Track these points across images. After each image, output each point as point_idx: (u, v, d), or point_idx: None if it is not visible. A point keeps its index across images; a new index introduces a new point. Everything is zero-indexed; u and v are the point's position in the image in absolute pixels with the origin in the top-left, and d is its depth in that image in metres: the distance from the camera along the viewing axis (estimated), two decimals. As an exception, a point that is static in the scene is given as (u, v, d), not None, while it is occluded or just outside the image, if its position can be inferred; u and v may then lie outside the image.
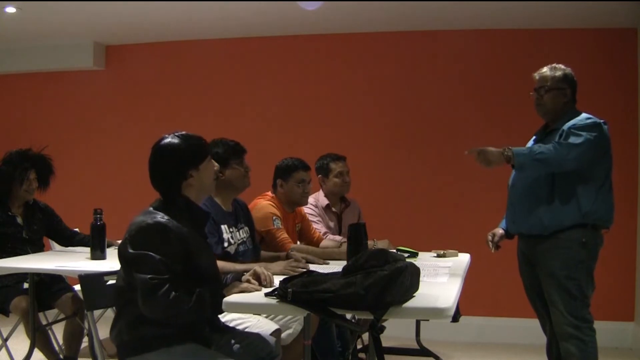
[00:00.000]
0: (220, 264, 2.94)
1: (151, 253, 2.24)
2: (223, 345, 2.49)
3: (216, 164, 2.80)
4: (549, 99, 3.24)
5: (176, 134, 2.46)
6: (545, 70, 3.29)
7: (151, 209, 2.37)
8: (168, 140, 2.44)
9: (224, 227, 3.10)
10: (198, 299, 2.25)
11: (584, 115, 3.23)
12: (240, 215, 3.31)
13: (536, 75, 3.31)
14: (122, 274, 2.39)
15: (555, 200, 3.14)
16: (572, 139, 3.07)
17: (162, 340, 2.32)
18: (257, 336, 2.61)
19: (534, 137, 3.43)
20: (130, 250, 2.27)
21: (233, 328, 2.67)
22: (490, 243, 3.46)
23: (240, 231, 3.24)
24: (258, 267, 2.54)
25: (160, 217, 2.31)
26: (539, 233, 3.19)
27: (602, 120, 3.19)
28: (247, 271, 2.96)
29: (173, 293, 2.21)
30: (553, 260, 3.15)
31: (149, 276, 2.21)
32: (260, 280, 2.45)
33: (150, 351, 2.34)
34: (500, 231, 3.47)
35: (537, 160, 3.05)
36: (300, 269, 2.82)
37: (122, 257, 2.34)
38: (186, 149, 2.41)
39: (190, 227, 2.38)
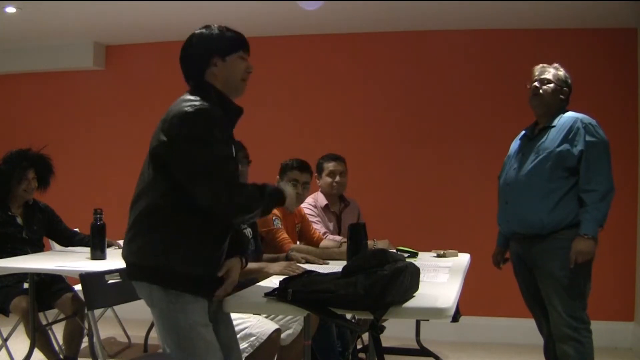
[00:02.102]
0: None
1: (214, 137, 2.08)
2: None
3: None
4: (549, 90, 3.23)
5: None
6: (548, 66, 3.29)
7: (185, 97, 2.18)
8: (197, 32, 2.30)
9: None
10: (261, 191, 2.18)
11: (571, 114, 3.23)
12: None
13: (536, 69, 3.30)
14: (153, 183, 2.14)
15: (555, 199, 3.13)
16: (594, 170, 3.09)
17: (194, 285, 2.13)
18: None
19: (522, 133, 3.41)
20: (181, 142, 2.07)
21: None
22: (498, 265, 3.55)
23: (243, 232, 3.25)
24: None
25: (200, 103, 2.11)
26: (537, 233, 3.17)
27: (595, 121, 3.20)
28: (247, 271, 2.98)
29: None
30: (552, 261, 3.14)
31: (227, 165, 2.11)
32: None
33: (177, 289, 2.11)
34: (499, 250, 3.54)
35: (603, 213, 3.08)
36: (299, 270, 2.82)
37: (165, 154, 2.11)
38: (217, 37, 2.26)
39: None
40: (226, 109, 2.23)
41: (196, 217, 2.10)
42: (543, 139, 3.21)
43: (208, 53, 2.24)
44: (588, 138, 3.11)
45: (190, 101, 2.11)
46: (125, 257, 2.18)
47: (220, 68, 2.24)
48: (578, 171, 3.12)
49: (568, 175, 3.13)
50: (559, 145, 3.14)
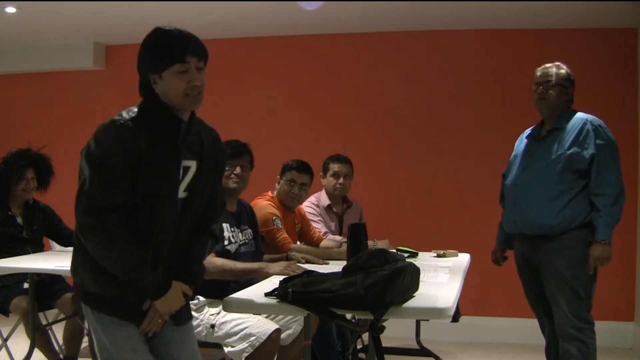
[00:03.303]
0: (221, 261, 2.95)
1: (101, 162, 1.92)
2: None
3: None
4: (554, 93, 3.22)
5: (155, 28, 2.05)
6: (550, 66, 3.28)
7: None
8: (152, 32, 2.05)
9: (225, 226, 3.10)
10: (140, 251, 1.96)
11: (580, 115, 3.23)
12: (244, 217, 3.31)
13: (539, 71, 3.29)
14: None
15: (564, 201, 3.12)
16: (604, 174, 3.09)
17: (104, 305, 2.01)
18: None
19: (528, 133, 3.40)
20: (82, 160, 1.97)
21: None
22: (497, 262, 3.55)
23: (243, 232, 3.24)
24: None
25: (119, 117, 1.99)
26: (546, 234, 3.16)
27: (603, 123, 3.20)
28: (247, 271, 2.98)
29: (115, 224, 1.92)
30: (559, 260, 3.13)
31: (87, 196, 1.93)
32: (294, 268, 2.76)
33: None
34: (499, 248, 3.53)
35: (616, 217, 3.10)
36: (299, 270, 2.82)
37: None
38: (148, 52, 2.02)
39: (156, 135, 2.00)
40: (167, 121, 2.03)
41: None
42: (552, 141, 3.21)
43: (143, 70, 2.03)
44: (598, 141, 3.12)
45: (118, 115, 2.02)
46: None
47: (159, 85, 2.01)
48: (587, 173, 3.12)
49: (577, 177, 3.13)
50: (569, 148, 3.14)
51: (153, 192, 1.98)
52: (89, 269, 2.00)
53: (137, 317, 2.02)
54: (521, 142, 3.44)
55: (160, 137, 2.00)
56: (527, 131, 3.44)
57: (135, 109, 2.04)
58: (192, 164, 2.09)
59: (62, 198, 4.57)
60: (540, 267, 3.24)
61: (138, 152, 1.95)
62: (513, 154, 3.45)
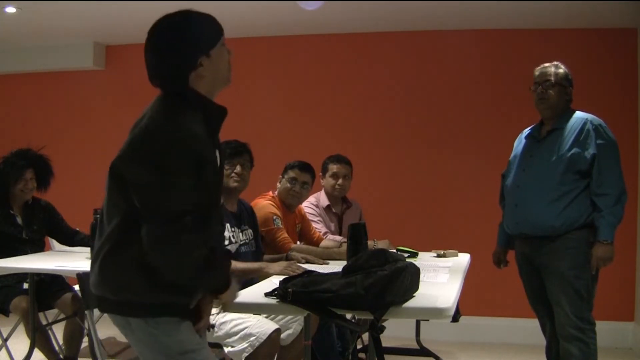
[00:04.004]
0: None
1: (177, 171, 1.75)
2: None
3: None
4: (554, 93, 3.22)
5: (179, 11, 1.91)
6: (549, 65, 3.28)
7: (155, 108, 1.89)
8: (168, 21, 1.92)
9: (226, 226, 3.10)
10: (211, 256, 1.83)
11: (579, 114, 3.24)
12: (245, 217, 3.31)
13: (537, 71, 3.29)
14: (116, 200, 1.85)
15: (566, 202, 3.12)
16: (606, 174, 3.10)
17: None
18: None
19: (527, 132, 3.40)
20: (139, 168, 1.78)
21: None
22: (498, 265, 3.54)
23: (243, 233, 3.25)
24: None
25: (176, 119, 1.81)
26: (548, 234, 3.16)
27: (603, 122, 3.20)
28: (248, 271, 2.98)
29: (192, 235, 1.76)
30: (561, 261, 3.13)
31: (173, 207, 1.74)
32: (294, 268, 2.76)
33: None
34: (501, 250, 3.53)
35: (619, 217, 3.11)
36: (299, 270, 2.82)
37: (126, 174, 1.83)
38: (197, 31, 1.89)
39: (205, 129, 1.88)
40: (209, 115, 1.92)
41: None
42: (553, 142, 3.20)
43: (193, 54, 1.88)
44: (599, 141, 3.12)
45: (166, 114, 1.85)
46: None
47: (206, 67, 1.89)
48: (589, 173, 3.12)
49: (579, 177, 3.13)
50: (570, 149, 3.14)
51: (212, 189, 1.91)
52: (143, 280, 1.81)
53: (191, 315, 1.94)
54: (520, 142, 3.43)
55: (210, 130, 1.91)
56: (526, 131, 3.43)
57: (174, 109, 1.87)
58: (217, 155, 1.99)
59: (62, 198, 4.59)
60: (542, 267, 3.24)
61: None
62: (512, 154, 3.45)
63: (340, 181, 4.18)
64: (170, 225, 1.74)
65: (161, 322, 1.86)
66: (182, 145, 1.78)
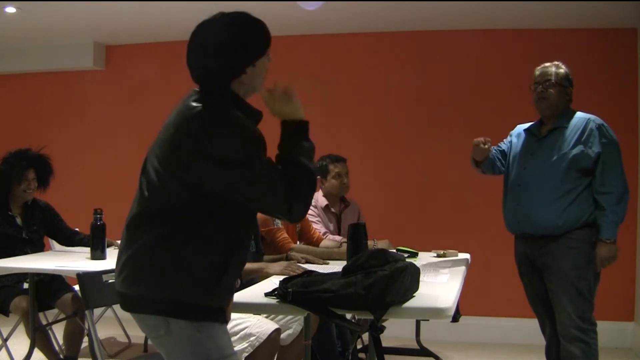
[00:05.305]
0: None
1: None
2: None
3: None
4: (554, 93, 3.22)
5: (227, 13, 1.94)
6: (549, 65, 3.27)
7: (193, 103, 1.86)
8: (227, 21, 1.95)
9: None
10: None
11: (580, 114, 3.24)
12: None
13: (537, 70, 3.29)
14: (170, 195, 1.81)
15: (569, 201, 3.12)
16: (609, 172, 3.10)
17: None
18: None
19: (526, 127, 3.38)
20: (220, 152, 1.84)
21: None
22: (482, 145, 3.38)
23: None
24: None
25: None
26: (550, 233, 3.15)
27: (604, 121, 3.20)
28: (247, 271, 2.98)
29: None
30: (564, 260, 3.12)
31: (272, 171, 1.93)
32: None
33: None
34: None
35: (621, 216, 3.12)
36: (299, 270, 2.82)
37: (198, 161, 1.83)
38: (250, 39, 1.96)
39: None
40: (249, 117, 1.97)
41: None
42: (554, 140, 3.20)
43: (240, 63, 1.93)
44: (603, 140, 3.12)
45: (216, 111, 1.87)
46: None
47: (249, 74, 1.95)
48: (591, 172, 3.12)
49: (581, 175, 3.13)
50: (573, 147, 3.14)
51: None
52: (202, 281, 1.79)
53: (224, 319, 1.93)
54: (520, 138, 3.41)
55: None
56: (525, 126, 3.42)
57: (223, 109, 1.89)
58: None
59: (62, 198, 4.59)
60: (544, 268, 3.22)
61: None
62: (512, 153, 3.43)
63: (345, 180, 4.19)
64: (285, 198, 1.86)
65: (205, 326, 1.82)
66: (252, 134, 1.98)
